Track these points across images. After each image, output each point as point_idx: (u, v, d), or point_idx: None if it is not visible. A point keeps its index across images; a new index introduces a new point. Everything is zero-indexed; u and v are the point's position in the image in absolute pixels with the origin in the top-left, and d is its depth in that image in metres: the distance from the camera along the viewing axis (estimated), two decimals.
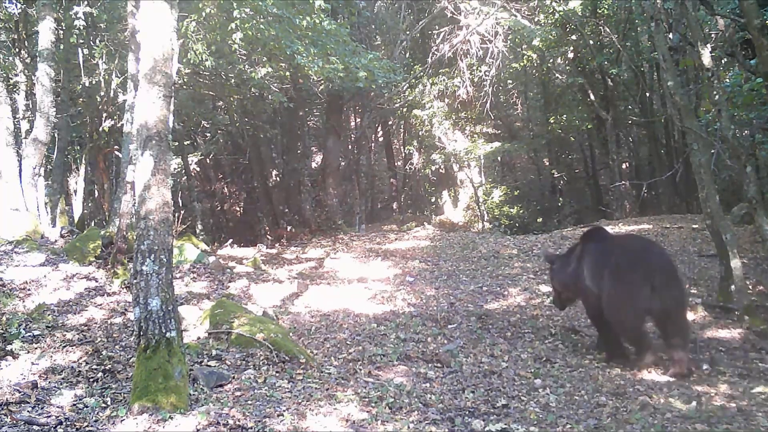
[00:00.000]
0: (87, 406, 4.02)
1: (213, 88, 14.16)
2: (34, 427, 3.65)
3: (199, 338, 5.75)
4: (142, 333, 4.03)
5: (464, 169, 18.71)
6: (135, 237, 4.26)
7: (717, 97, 7.01)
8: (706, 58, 7.07)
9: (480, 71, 17.03)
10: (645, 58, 16.26)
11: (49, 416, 3.83)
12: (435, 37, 17.24)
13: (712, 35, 9.34)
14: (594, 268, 5.89)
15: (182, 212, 15.58)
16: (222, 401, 4.25)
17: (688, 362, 5.39)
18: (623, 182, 16.29)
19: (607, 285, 5.67)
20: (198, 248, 9.58)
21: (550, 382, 5.26)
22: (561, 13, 14.96)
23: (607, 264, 5.74)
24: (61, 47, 11.28)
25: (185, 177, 19.25)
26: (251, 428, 3.75)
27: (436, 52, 16.63)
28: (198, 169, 21.42)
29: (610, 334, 5.88)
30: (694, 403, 4.71)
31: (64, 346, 5.11)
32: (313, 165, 20.99)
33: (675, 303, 5.47)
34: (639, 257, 5.68)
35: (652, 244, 6.35)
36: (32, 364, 4.72)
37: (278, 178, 19.31)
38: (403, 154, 22.42)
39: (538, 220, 19.34)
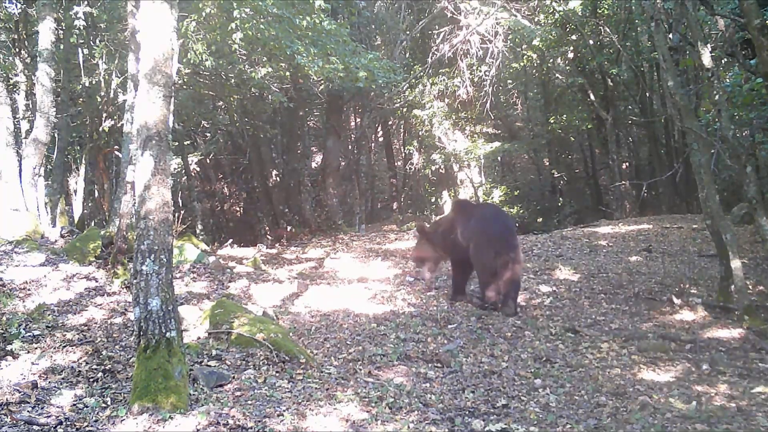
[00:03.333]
0: (87, 406, 4.02)
1: (213, 88, 14.15)
2: (34, 427, 3.65)
3: (199, 338, 5.75)
4: (142, 333, 4.03)
5: (464, 169, 18.71)
6: (135, 237, 4.26)
7: (717, 97, 7.01)
8: (706, 58, 7.07)
9: (480, 71, 17.01)
10: (645, 58, 16.24)
11: (49, 416, 3.83)
12: (435, 37, 17.23)
13: (712, 35, 9.34)
14: (464, 227, 7.67)
15: (182, 212, 15.58)
16: (222, 401, 4.25)
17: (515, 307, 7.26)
18: (623, 182, 16.27)
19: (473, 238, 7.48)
20: (198, 248, 9.57)
21: (550, 382, 5.26)
22: (561, 13, 14.96)
23: (471, 225, 7.57)
24: (61, 47, 11.28)
25: (185, 177, 19.26)
26: (251, 428, 3.75)
27: (436, 52, 16.61)
28: (198, 169, 21.42)
29: (459, 278, 7.87)
30: (694, 403, 4.71)
31: (64, 346, 5.11)
32: (313, 165, 20.98)
33: (512, 258, 7.22)
34: (490, 223, 7.50)
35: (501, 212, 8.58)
36: (32, 364, 4.72)
37: (278, 178, 19.29)
38: (403, 154, 22.42)
39: (538, 220, 19.35)
